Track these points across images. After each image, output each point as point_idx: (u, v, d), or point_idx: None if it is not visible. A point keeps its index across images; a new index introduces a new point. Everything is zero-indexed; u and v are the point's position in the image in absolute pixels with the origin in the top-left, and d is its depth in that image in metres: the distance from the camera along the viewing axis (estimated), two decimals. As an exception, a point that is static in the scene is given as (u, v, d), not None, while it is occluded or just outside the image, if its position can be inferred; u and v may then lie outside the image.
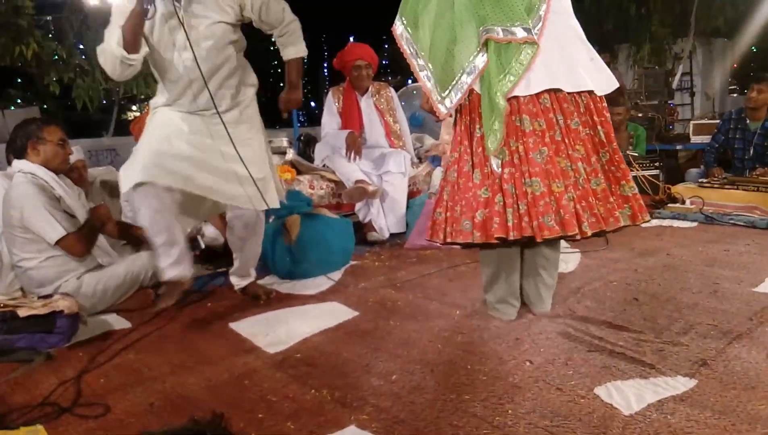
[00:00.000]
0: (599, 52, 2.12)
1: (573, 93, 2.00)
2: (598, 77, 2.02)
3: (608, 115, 2.07)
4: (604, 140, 2.02)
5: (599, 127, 2.01)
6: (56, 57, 6.35)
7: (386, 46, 17.81)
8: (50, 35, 6.41)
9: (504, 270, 2.21)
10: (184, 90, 2.40)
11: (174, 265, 2.42)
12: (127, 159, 2.53)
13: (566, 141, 1.97)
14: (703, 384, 1.67)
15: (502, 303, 2.25)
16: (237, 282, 2.78)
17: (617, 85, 2.04)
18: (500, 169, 1.97)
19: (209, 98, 2.36)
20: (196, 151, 2.36)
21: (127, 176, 2.31)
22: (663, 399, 1.60)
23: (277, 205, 2.53)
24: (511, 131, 1.96)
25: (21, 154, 2.61)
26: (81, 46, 6.77)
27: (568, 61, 1.96)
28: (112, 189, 3.65)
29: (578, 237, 1.95)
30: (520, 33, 1.90)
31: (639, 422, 1.49)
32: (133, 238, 2.95)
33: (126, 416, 1.69)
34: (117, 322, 2.54)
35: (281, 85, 2.76)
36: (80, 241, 2.60)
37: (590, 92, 2.02)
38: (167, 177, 2.28)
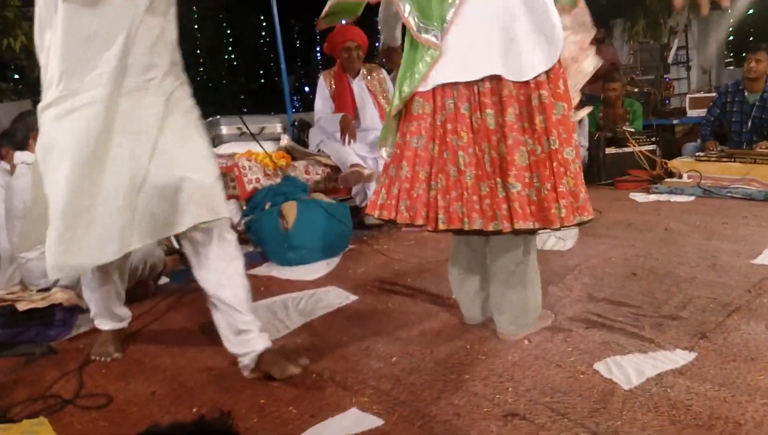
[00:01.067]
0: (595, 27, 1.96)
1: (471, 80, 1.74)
2: (513, 60, 1.69)
3: (517, 99, 1.71)
4: (493, 128, 1.72)
5: (488, 112, 1.72)
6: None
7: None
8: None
9: (454, 263, 2.04)
10: (97, 59, 1.62)
11: (114, 322, 2.11)
12: None
13: (448, 126, 1.76)
14: (703, 357, 1.68)
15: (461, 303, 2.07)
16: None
17: (531, 72, 1.67)
18: (390, 151, 1.94)
19: (135, 72, 1.66)
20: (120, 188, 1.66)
21: (68, 262, 1.66)
22: (662, 373, 1.60)
23: (225, 214, 1.78)
24: (404, 115, 1.87)
25: (23, 146, 2.60)
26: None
27: (479, 48, 1.71)
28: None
29: (429, 228, 1.81)
30: (425, 35, 1.76)
31: (639, 396, 1.50)
32: None
33: (128, 406, 1.70)
34: (116, 313, 2.54)
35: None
36: None
37: (498, 77, 1.71)
38: (102, 253, 1.68)
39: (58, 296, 2.32)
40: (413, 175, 1.82)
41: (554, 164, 1.68)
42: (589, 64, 1.82)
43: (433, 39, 1.75)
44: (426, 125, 1.81)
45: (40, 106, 1.70)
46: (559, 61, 1.72)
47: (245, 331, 1.78)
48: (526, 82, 1.69)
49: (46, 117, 1.68)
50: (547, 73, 1.69)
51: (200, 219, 1.67)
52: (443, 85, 1.77)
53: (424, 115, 1.81)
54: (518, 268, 1.85)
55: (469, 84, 1.74)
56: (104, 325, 2.10)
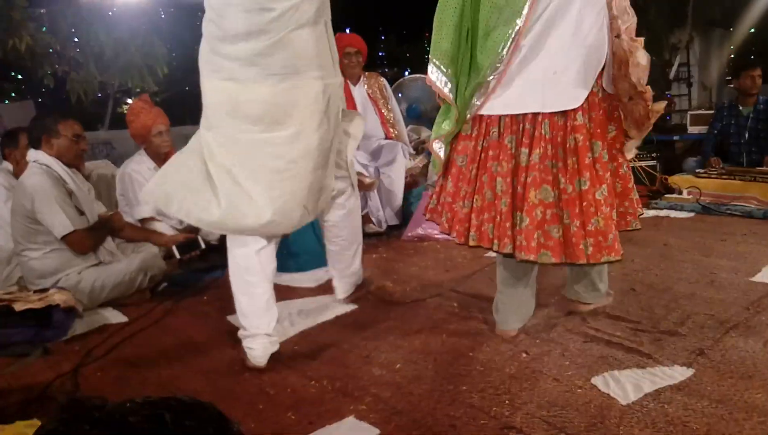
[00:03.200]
0: None
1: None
2: (550, 94, 1.78)
3: (552, 140, 1.79)
4: (524, 165, 1.81)
5: (523, 150, 1.81)
6: (50, 50, 6.30)
7: (382, 37, 17.79)
8: (44, 28, 6.36)
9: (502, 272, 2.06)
10: None
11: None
12: (130, 153, 2.39)
13: (490, 153, 1.87)
14: (700, 373, 1.68)
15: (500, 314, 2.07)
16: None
17: (570, 104, 1.76)
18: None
19: None
20: None
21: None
22: (660, 388, 1.60)
23: None
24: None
25: (37, 145, 2.62)
26: (75, 39, 6.73)
27: (525, 85, 1.80)
28: (108, 183, 3.64)
29: (459, 241, 1.94)
30: (447, 88, 1.89)
31: (636, 412, 1.50)
32: (139, 240, 3.01)
33: (124, 409, 1.69)
34: (113, 315, 2.53)
35: None
36: (86, 239, 2.61)
37: (536, 116, 1.81)
38: None
39: (56, 297, 2.32)
40: (455, 191, 1.97)
41: (584, 204, 1.77)
42: (642, 56, 1.81)
43: (450, 94, 1.89)
44: (470, 147, 1.93)
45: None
46: (593, 93, 1.79)
47: None
48: (564, 125, 1.78)
49: None
50: (589, 114, 1.78)
51: None
52: (490, 115, 1.88)
53: (470, 137, 1.93)
54: None
55: (515, 117, 1.84)
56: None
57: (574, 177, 1.77)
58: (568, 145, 1.78)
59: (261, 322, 1.93)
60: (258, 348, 1.91)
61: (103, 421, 0.60)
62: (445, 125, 1.95)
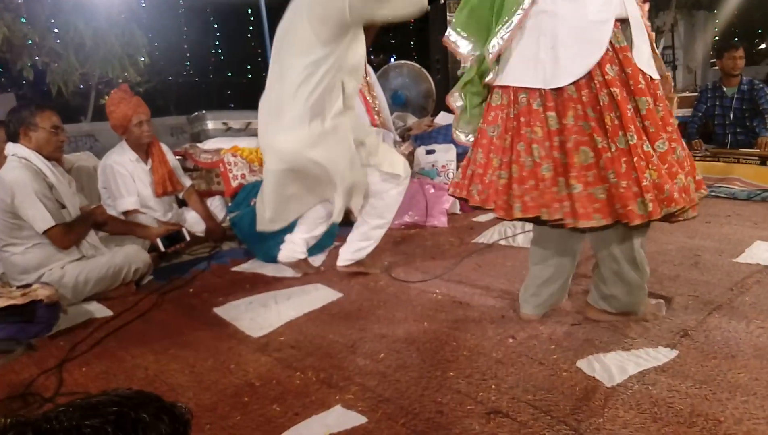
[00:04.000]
0: None
1: None
2: (551, 68, 1.75)
3: (579, 100, 1.73)
4: (555, 129, 1.76)
5: (549, 114, 1.75)
6: (29, 41, 6.18)
7: (368, 24, 17.61)
8: (22, 18, 6.23)
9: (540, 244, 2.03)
10: None
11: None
12: (113, 145, 2.43)
13: (522, 119, 1.80)
14: (684, 354, 1.69)
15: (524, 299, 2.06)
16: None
17: (568, 78, 1.72)
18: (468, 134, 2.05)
19: None
20: None
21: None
22: (644, 370, 1.61)
23: None
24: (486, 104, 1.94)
25: (15, 139, 2.56)
26: (55, 30, 6.60)
27: (533, 57, 1.77)
28: (89, 175, 3.59)
29: (499, 214, 1.86)
30: (464, 48, 1.93)
31: (621, 393, 1.51)
32: (123, 233, 3.00)
33: (109, 404, 1.68)
34: (98, 310, 2.51)
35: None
36: (68, 233, 2.57)
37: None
38: None
39: (39, 293, 2.29)
40: (487, 162, 1.89)
41: (634, 159, 1.67)
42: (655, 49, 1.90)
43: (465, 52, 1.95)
44: (502, 116, 1.86)
45: None
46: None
47: None
48: (588, 83, 1.71)
49: None
50: (622, 67, 1.72)
51: None
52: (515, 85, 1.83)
53: (501, 106, 1.87)
54: (623, 254, 1.87)
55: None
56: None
57: (615, 134, 1.68)
58: (601, 103, 1.70)
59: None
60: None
61: (56, 431, 0.58)
62: (463, 77, 1.98)
